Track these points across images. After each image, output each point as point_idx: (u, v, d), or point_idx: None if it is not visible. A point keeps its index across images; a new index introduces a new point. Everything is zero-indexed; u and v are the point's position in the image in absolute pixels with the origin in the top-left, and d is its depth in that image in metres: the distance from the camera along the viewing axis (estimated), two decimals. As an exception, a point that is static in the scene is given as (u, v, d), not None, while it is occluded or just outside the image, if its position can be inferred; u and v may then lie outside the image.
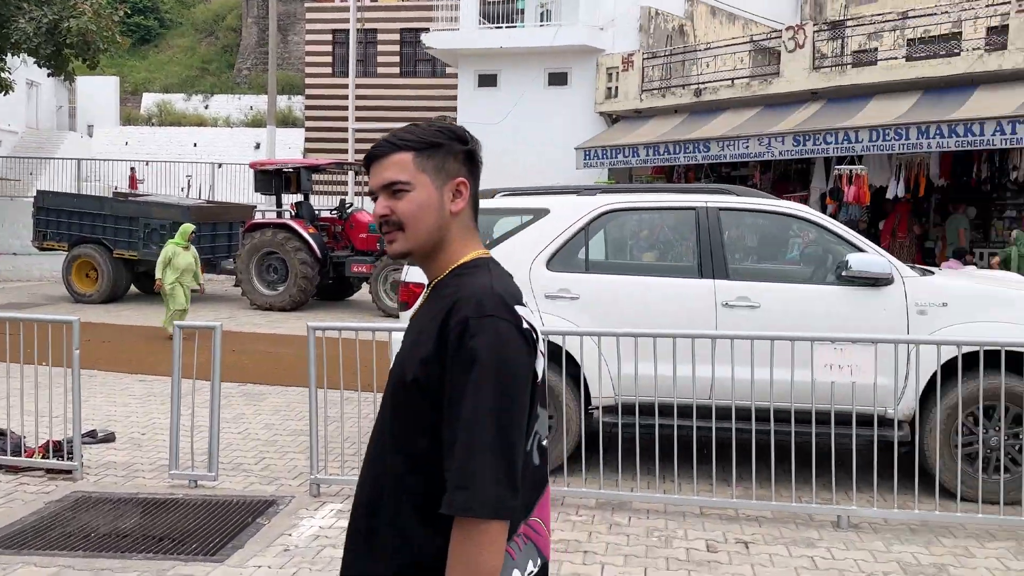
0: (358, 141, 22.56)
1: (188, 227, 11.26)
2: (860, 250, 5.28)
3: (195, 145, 30.67)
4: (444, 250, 1.60)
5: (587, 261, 5.73)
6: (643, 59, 16.66)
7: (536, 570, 1.54)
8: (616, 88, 17.18)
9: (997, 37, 11.97)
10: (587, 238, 5.73)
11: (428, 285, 1.66)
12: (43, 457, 5.74)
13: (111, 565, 4.17)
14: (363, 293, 16.25)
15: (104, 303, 14.48)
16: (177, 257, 10.80)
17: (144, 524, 4.76)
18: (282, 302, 13.94)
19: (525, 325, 1.48)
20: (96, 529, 4.66)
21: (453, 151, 1.60)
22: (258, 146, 31.33)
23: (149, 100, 33.67)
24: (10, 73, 20.97)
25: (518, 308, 1.50)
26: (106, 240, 14.57)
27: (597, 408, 5.50)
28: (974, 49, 12.10)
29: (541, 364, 1.52)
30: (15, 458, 5.68)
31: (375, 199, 1.64)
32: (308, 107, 28.67)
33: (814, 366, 4.67)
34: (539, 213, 5.81)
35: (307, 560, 4.27)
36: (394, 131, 1.63)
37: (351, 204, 15.13)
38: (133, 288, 15.61)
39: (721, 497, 5.00)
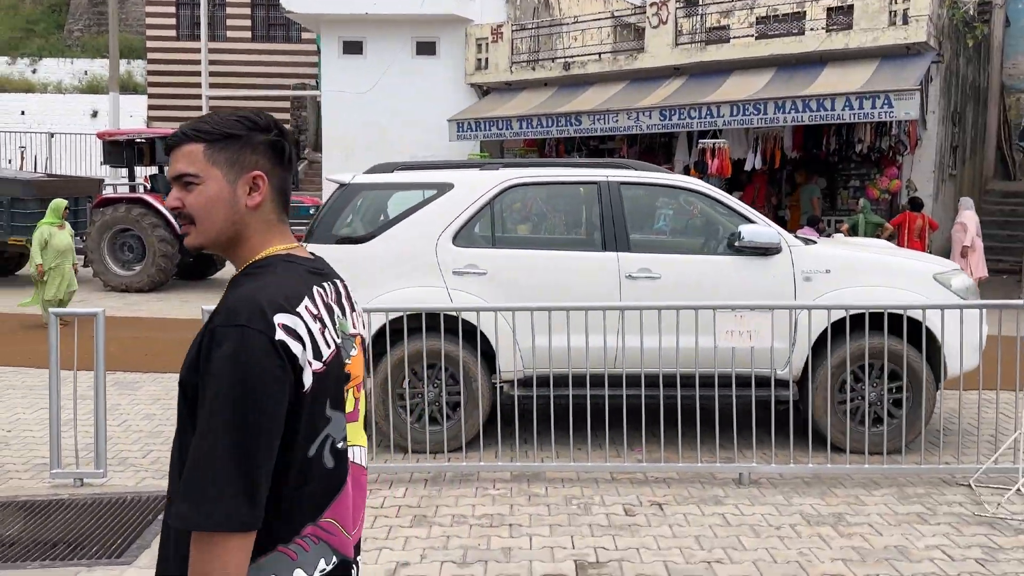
0: (213, 110, 21.32)
1: (60, 203, 10.07)
2: (750, 221, 5.57)
3: (23, 113, 27.97)
4: (242, 245, 1.58)
5: (493, 236, 5.72)
6: (512, 31, 16.68)
7: (330, 568, 1.55)
8: (486, 60, 17.13)
9: (843, 17, 12.85)
10: (492, 213, 5.73)
11: None
12: None
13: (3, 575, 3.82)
14: (228, 270, 15.53)
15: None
16: (54, 238, 9.71)
17: (31, 529, 4.38)
18: (140, 282, 13.10)
19: (279, 336, 1.44)
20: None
21: (252, 142, 1.57)
22: (95, 114, 29.01)
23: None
24: None
25: (279, 317, 1.45)
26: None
27: (505, 383, 5.54)
28: (821, 28, 12.94)
29: (309, 372, 1.47)
30: None
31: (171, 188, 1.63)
32: (151, 72, 26.93)
33: (716, 333, 4.90)
34: (443, 188, 5.74)
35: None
36: (192, 120, 1.61)
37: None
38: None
39: (631, 462, 5.18)
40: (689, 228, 6.15)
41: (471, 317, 5.38)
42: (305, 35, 25.06)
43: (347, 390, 1.59)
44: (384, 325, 5.33)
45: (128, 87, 30.86)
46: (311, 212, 14.14)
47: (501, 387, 5.57)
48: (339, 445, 1.56)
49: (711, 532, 4.31)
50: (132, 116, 29.05)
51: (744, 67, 13.97)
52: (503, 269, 5.59)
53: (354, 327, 1.64)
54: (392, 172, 5.99)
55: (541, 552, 4.06)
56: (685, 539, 4.22)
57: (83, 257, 14.24)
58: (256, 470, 1.39)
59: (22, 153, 20.64)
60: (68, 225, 10.15)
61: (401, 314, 5.42)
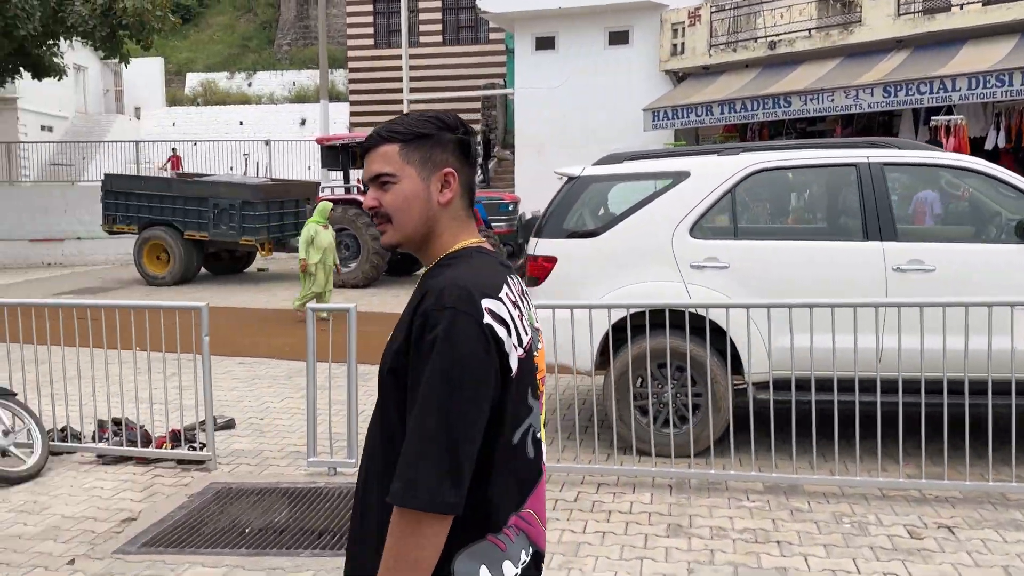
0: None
1: (327, 205, 10.68)
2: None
3: (241, 123, 30.57)
4: (434, 241, 1.60)
5: (735, 226, 5.35)
6: (711, 12, 16.00)
7: (528, 559, 1.55)
8: (682, 45, 16.56)
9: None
10: (734, 201, 5.35)
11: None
12: (172, 447, 5.58)
13: (281, 564, 3.96)
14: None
15: (176, 285, 14.43)
16: (319, 236, 10.30)
17: (297, 517, 4.55)
18: (355, 279, 13.77)
19: (486, 320, 1.45)
20: (249, 523, 4.47)
21: (442, 141, 1.59)
22: (303, 122, 31.19)
23: (193, 80, 33.61)
24: (61, 58, 20.96)
25: (485, 301, 1.47)
26: (176, 222, 14.49)
27: (749, 384, 5.16)
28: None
29: (515, 357, 1.49)
30: (148, 449, 5.52)
31: (367, 188, 1.63)
32: (352, 80, 28.36)
33: (1016, 333, 4.27)
34: (678, 176, 5.44)
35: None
36: (385, 122, 1.62)
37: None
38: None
39: (903, 478, 4.64)
40: (964, 214, 5.46)
41: (715, 314, 5.05)
42: (493, 35, 25.47)
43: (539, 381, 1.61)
44: (624, 319, 5.13)
45: (332, 95, 32.91)
46: (510, 208, 14.25)
47: (745, 389, 5.20)
48: (538, 435, 1.59)
49: (1020, 562, 3.74)
50: (336, 123, 30.94)
51: (978, 35, 12.54)
52: (747, 262, 5.21)
53: (536, 322, 1.65)
54: (622, 163, 5.76)
55: (822, 575, 3.68)
56: (991, 569, 3.68)
57: (302, 255, 15.24)
58: (462, 453, 1.40)
59: (246, 160, 22.40)
60: (331, 227, 10.71)
61: (641, 310, 5.18)
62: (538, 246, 5.63)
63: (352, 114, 27.81)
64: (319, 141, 14.66)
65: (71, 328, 5.86)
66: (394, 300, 12.64)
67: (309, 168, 23.16)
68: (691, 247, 5.29)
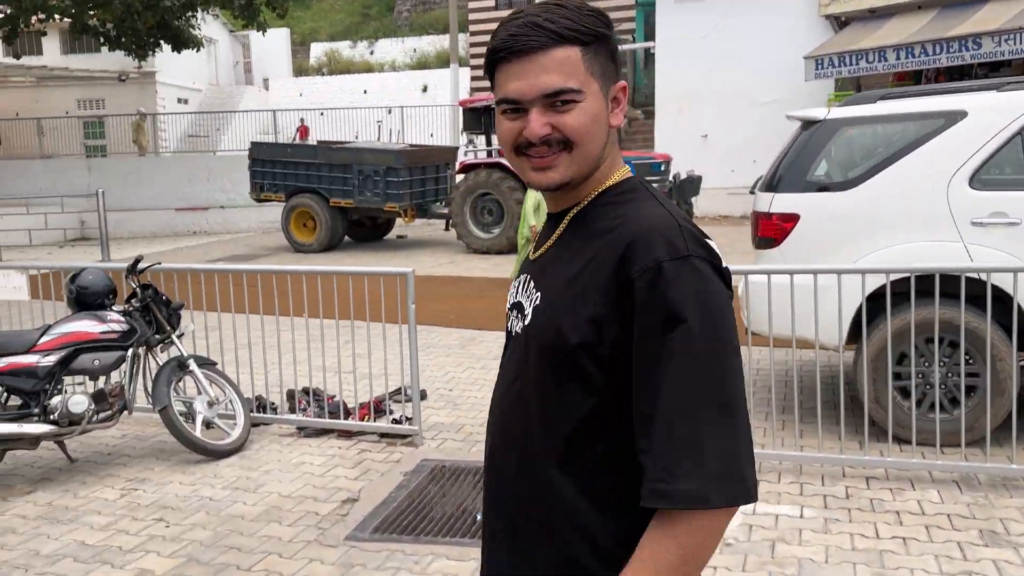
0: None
1: None
2: None
3: (365, 92, 30.71)
4: (592, 176, 1.28)
5: (1029, 175, 4.50)
6: (879, -50, 14.57)
7: None
8: (845, -13, 15.21)
9: None
10: (1026, 145, 4.50)
11: (556, 217, 1.33)
12: (370, 419, 5.26)
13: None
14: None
15: (323, 252, 14.43)
16: (543, 202, 9.85)
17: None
18: (499, 244, 13.36)
19: (724, 264, 1.19)
20: (478, 509, 4.04)
21: (612, 45, 1.26)
22: (425, 88, 31.05)
23: (317, 50, 34.01)
24: (199, 30, 21.38)
25: (710, 243, 1.20)
26: (321, 189, 14.44)
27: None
28: None
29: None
30: (351, 422, 5.21)
31: (514, 110, 1.23)
32: (473, 44, 27.88)
33: None
34: (951, 117, 4.62)
35: (766, 560, 3.45)
36: (535, 10, 1.21)
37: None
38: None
39: None
40: None
41: (1002, 280, 4.26)
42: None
43: None
44: (883, 287, 4.40)
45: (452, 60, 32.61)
46: (662, 168, 13.46)
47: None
48: None
49: None
50: (458, 87, 30.71)
51: None
52: (1044, 217, 4.37)
53: None
54: (875, 102, 4.97)
55: None
56: None
57: (446, 221, 14.97)
58: (750, 431, 1.16)
59: (379, 127, 22.37)
60: None
61: (904, 275, 4.43)
62: (774, 202, 4.94)
63: (473, 78, 27.37)
64: (462, 103, 14.24)
65: (243, 295, 5.60)
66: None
67: (432, 135, 22.97)
68: (972, 200, 4.49)
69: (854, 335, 4.77)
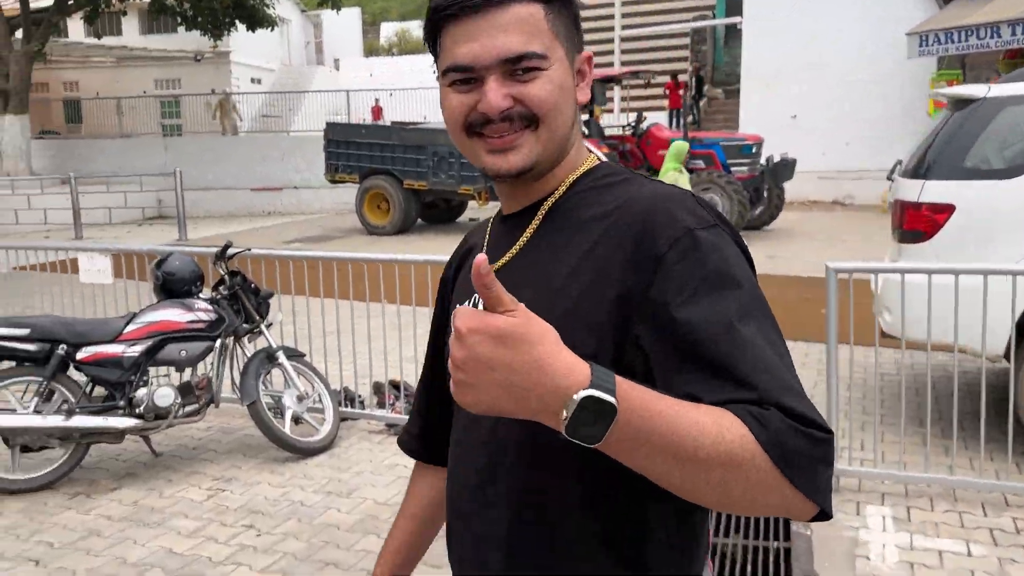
0: (627, 51, 20.64)
1: (683, 146, 8.73)
2: None
3: (434, 72, 30.45)
4: (562, 160, 1.07)
5: None
6: (994, -83, 13.51)
7: None
8: (953, -42, 14.20)
9: None
10: None
11: (515, 217, 1.10)
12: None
13: None
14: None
15: (396, 234, 14.21)
16: (679, 183, 8.56)
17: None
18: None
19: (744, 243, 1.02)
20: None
21: (575, 7, 1.05)
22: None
23: (388, 29, 33.92)
24: (273, 9, 21.35)
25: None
26: (395, 171, 14.19)
27: None
28: None
29: None
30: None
31: (464, 81, 1.01)
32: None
33: None
34: None
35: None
36: None
37: (645, 118, 13.66)
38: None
39: None
40: None
41: None
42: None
43: None
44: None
45: (522, 39, 32.18)
46: (753, 150, 12.78)
47: None
48: None
49: None
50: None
51: None
52: None
53: None
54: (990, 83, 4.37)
55: None
56: None
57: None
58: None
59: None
60: (686, 172, 9.23)
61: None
62: (924, 190, 4.39)
63: (548, 57, 26.81)
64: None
65: (332, 280, 5.30)
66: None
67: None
68: None
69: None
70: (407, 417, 5.20)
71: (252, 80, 28.82)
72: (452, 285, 1.22)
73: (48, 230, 15.50)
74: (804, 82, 15.97)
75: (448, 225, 15.66)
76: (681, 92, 18.65)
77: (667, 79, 19.07)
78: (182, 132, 24.34)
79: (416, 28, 33.51)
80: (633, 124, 13.46)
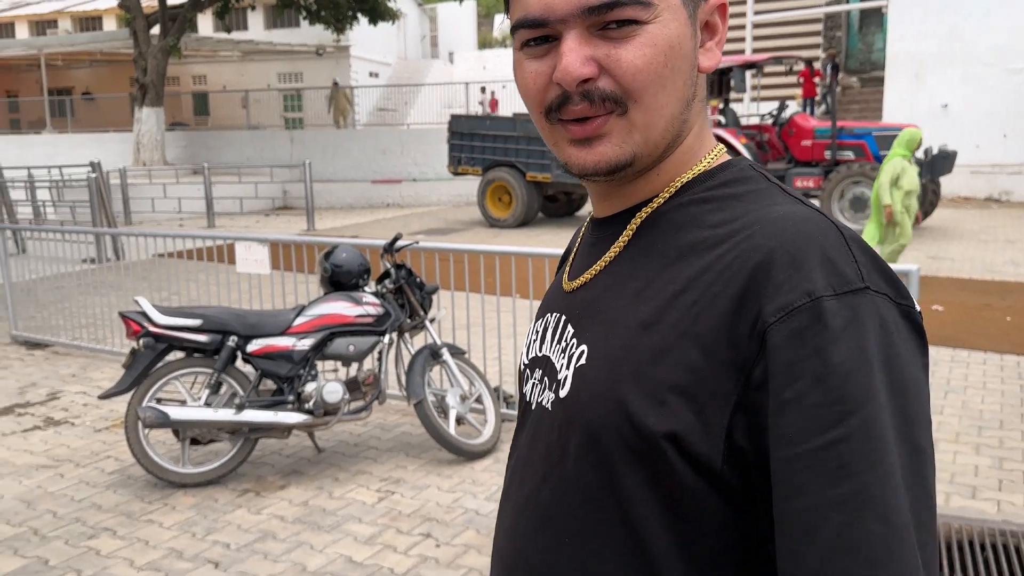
0: (758, 37, 19.71)
1: (915, 133, 7.57)
2: None
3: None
4: (671, 153, 0.79)
5: None
6: None
7: None
8: None
9: None
10: None
11: (608, 223, 0.84)
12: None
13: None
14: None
15: (518, 227, 13.99)
16: (906, 174, 7.52)
17: None
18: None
19: (917, 307, 0.69)
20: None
21: None
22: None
23: (501, 21, 33.79)
24: (394, 2, 21.53)
25: (891, 273, 0.69)
26: (519, 163, 13.96)
27: None
28: None
29: None
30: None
31: (538, 41, 0.75)
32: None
33: None
34: None
35: None
36: None
37: (787, 105, 12.93)
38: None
39: None
40: None
41: None
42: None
43: None
44: None
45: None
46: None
47: None
48: None
49: None
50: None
51: None
52: None
53: None
54: None
55: None
56: None
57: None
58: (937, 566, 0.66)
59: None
60: (915, 164, 8.29)
61: None
62: None
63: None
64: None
65: (477, 275, 5.02)
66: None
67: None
68: None
69: None
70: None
71: (370, 74, 29.25)
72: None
73: (181, 218, 16.06)
74: (956, 69, 14.82)
75: (568, 218, 15.34)
76: (816, 80, 17.70)
77: (802, 66, 18.13)
78: (303, 125, 24.92)
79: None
80: (774, 113, 12.75)
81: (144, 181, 17.29)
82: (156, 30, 19.29)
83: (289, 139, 20.80)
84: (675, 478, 0.69)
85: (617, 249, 0.81)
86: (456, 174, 15.15)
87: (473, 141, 14.53)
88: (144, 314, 3.95)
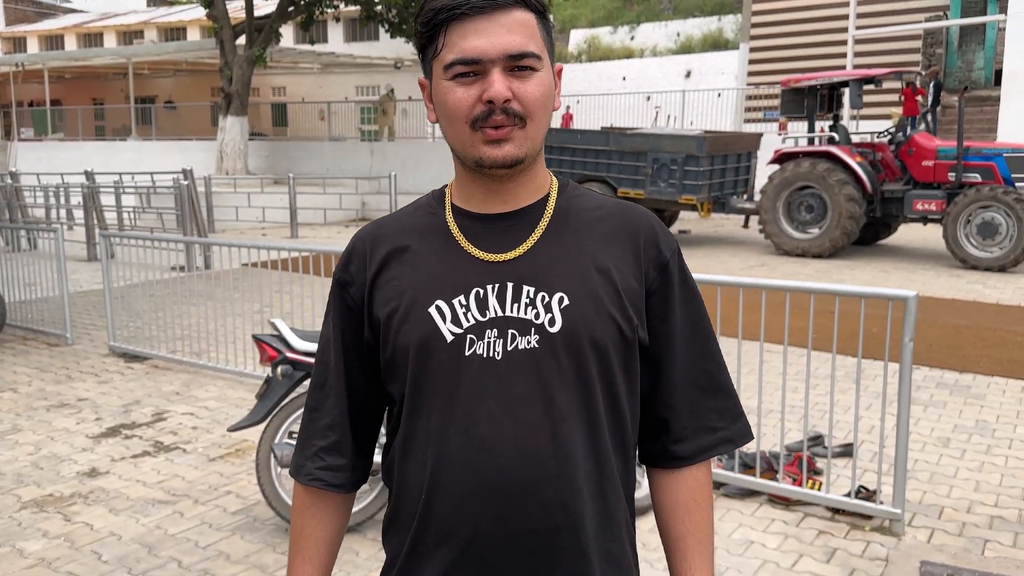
0: (860, 53, 18.80)
1: None
2: None
3: (624, 79, 29.65)
4: (538, 156, 1.18)
5: None
6: None
7: None
8: None
9: None
10: None
11: (512, 213, 1.19)
12: (795, 479, 4.01)
13: None
14: (900, 236, 13.42)
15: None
16: None
17: None
18: (819, 246, 11.61)
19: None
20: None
21: (549, 25, 1.17)
22: (688, 74, 29.42)
23: (577, 36, 33.48)
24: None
25: None
26: (610, 178, 13.45)
27: None
28: None
29: None
30: (799, 489, 3.94)
31: (465, 75, 1.10)
32: (755, 24, 25.79)
33: None
34: None
35: None
36: None
37: (906, 124, 12.14)
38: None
39: None
40: None
41: None
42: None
43: None
44: None
45: (718, 44, 30.69)
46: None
47: None
48: None
49: None
50: (723, 73, 28.75)
51: None
52: None
53: None
54: None
55: None
56: None
57: (746, 217, 13.45)
58: None
59: (656, 112, 21.21)
60: None
61: None
62: None
63: (751, 61, 25.33)
64: (784, 83, 12.53)
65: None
66: (851, 271, 10.33)
67: (691, 122, 21.46)
68: None
69: None
70: (744, 478, 4.24)
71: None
72: (372, 287, 1.20)
73: (264, 228, 15.96)
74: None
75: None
76: (919, 98, 16.76)
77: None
78: (378, 137, 24.87)
79: (606, 34, 32.85)
80: (891, 130, 11.98)
81: (228, 190, 17.29)
82: (241, 40, 19.40)
83: (369, 151, 20.70)
84: (632, 356, 1.18)
85: (541, 230, 1.17)
86: (544, 189, 14.72)
87: (563, 155, 14.08)
88: (281, 338, 3.56)
